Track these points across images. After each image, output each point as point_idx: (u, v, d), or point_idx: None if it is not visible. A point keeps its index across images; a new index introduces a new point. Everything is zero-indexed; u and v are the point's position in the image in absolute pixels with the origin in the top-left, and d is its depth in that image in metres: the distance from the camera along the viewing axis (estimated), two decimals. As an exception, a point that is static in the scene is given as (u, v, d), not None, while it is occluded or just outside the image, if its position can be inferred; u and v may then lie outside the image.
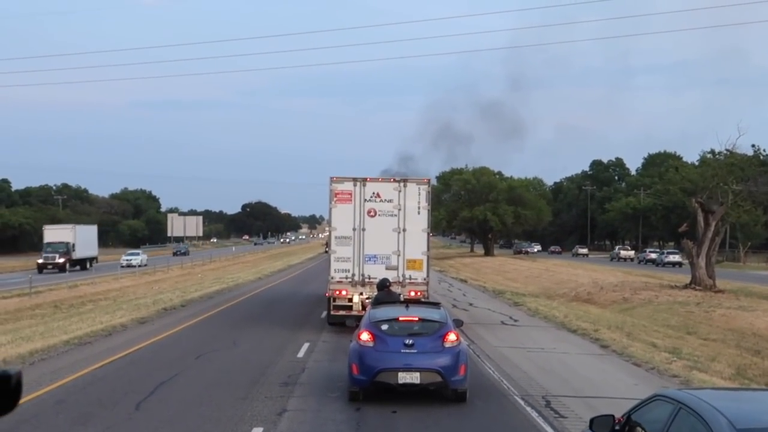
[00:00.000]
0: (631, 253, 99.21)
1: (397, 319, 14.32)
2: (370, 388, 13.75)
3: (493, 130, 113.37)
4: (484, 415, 13.08)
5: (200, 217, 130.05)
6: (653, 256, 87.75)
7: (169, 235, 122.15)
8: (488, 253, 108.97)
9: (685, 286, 43.03)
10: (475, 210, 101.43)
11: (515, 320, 28.77)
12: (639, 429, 6.87)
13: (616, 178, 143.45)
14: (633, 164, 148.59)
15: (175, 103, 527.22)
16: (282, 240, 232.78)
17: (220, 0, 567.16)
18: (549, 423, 12.49)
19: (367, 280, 23.57)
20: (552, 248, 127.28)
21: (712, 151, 65.08)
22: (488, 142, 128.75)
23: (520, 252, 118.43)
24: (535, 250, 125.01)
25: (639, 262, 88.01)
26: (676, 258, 79.11)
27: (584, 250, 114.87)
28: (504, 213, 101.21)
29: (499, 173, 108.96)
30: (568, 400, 14.30)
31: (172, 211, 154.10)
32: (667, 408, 6.44)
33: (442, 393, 13.87)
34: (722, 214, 43.87)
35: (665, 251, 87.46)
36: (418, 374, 13.51)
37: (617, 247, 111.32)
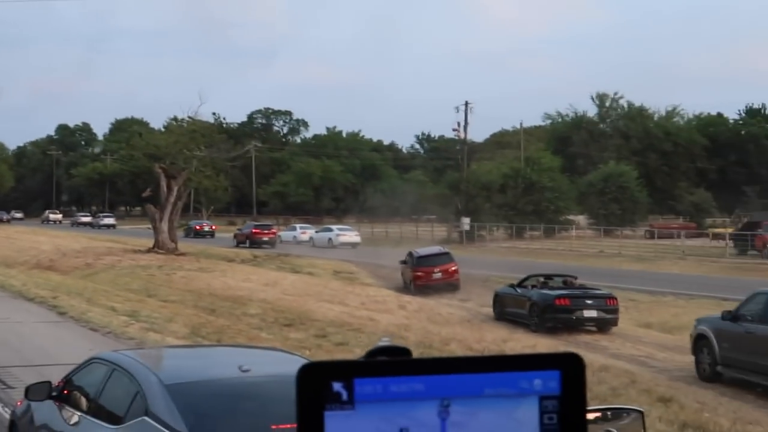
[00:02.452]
0: (60, 216, 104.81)
1: None
2: None
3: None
4: None
5: None
6: (86, 219, 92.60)
7: None
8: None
9: (149, 250, 43.68)
10: None
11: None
12: (76, 392, 6.86)
13: (83, 143, 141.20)
14: (102, 130, 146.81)
15: None
16: None
17: None
18: (-5, 396, 11.88)
19: None
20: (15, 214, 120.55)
21: (176, 118, 66.70)
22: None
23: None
24: (17, 216, 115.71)
25: (72, 225, 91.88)
26: (111, 221, 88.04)
27: (57, 216, 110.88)
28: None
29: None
30: (18, 370, 13.77)
31: None
32: (102, 369, 6.52)
33: None
34: (185, 180, 45.29)
35: (101, 215, 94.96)
36: None
37: (47, 212, 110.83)
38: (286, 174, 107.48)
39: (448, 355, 1.37)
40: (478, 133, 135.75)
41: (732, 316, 16.64)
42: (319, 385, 1.16)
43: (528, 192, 73.02)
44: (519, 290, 25.84)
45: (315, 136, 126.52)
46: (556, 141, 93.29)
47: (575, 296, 24.21)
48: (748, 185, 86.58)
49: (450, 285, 34.66)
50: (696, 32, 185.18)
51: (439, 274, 34.86)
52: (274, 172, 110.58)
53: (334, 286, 33.94)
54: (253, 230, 61.01)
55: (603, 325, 24.10)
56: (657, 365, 19.14)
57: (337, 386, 1.16)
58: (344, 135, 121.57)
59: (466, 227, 67.22)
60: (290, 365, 4.72)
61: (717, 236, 58.75)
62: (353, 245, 59.39)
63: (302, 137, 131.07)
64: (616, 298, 24.61)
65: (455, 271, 35.21)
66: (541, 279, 26.38)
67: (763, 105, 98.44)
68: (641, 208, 77.61)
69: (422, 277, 34.73)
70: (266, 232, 61.22)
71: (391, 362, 1.22)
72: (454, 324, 24.52)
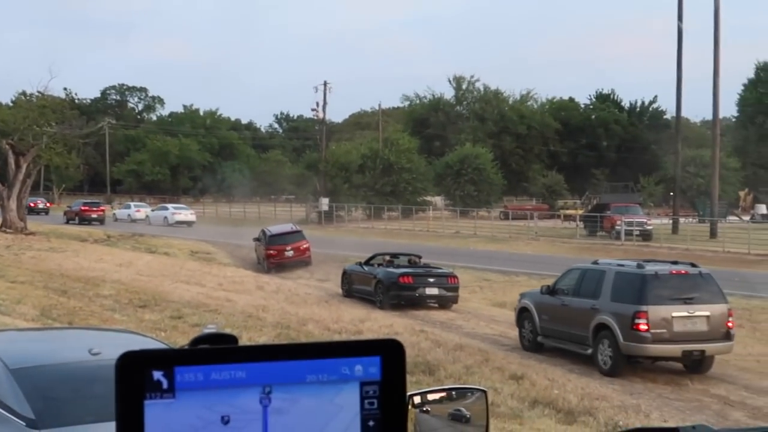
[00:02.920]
0: None
1: None
2: None
3: None
4: None
5: None
6: None
7: None
8: None
9: (-5, 230, 42.00)
10: None
11: None
12: None
13: None
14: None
15: None
16: None
17: None
18: None
19: None
20: None
21: (25, 93, 64.07)
22: None
23: None
24: None
25: None
26: None
27: None
28: None
29: None
30: None
31: None
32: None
33: None
34: (34, 157, 43.63)
35: None
36: None
37: None
38: (141, 152, 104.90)
39: (271, 343, 1.39)
40: (337, 114, 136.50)
41: (550, 290, 18.57)
42: (139, 374, 1.16)
43: (386, 173, 73.79)
44: (366, 268, 26.89)
45: (171, 114, 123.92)
46: (414, 122, 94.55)
47: (418, 275, 25.37)
48: (598, 168, 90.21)
49: (302, 262, 35.88)
50: (550, 18, 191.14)
51: (291, 252, 35.97)
52: (129, 150, 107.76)
53: (191, 267, 33.58)
54: (82, 207, 63.28)
55: (444, 303, 25.32)
56: (510, 343, 19.73)
57: (157, 375, 1.16)
58: (201, 113, 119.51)
59: (325, 207, 67.40)
60: (143, 348, 4.61)
61: (568, 218, 60.92)
62: (189, 224, 61.02)
63: (158, 115, 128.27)
64: (456, 277, 25.96)
65: (307, 249, 36.43)
66: (387, 257, 27.47)
67: (612, 90, 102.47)
68: (496, 189, 79.70)
69: (275, 254, 35.74)
70: (95, 209, 63.71)
71: (212, 350, 1.23)
72: (312, 304, 24.64)
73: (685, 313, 16.20)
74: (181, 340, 15.60)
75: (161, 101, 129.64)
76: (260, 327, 18.81)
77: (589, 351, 17.04)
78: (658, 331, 15.98)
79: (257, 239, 38.04)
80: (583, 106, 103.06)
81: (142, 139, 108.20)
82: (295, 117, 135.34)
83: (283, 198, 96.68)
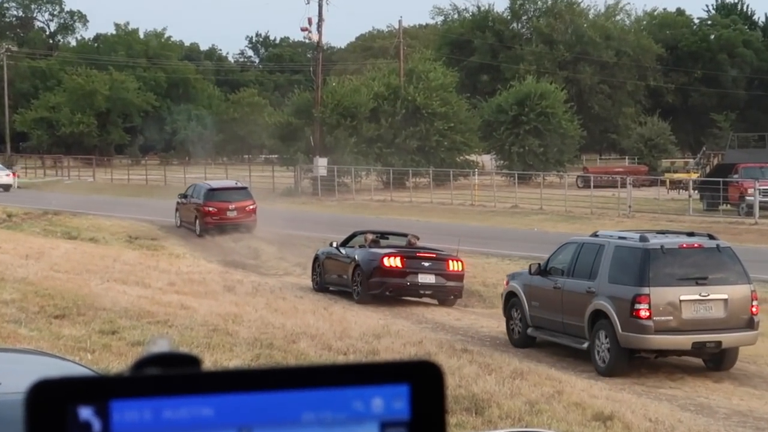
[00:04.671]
0: None
1: None
2: None
3: None
4: None
5: None
6: None
7: None
8: None
9: None
10: None
11: None
12: None
13: None
14: None
15: None
16: None
17: None
18: None
19: None
20: None
21: None
22: None
23: None
24: None
25: None
26: None
27: None
28: None
29: None
30: None
31: None
32: None
33: None
34: None
35: None
36: None
37: None
38: (55, 92, 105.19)
39: (250, 366, 1.35)
40: (338, 36, 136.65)
41: (541, 270, 20.43)
42: (59, 412, 1.13)
43: (410, 121, 73.72)
44: (343, 251, 28.27)
45: (98, 37, 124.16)
46: (451, 47, 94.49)
47: (409, 256, 26.70)
48: (720, 112, 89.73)
49: (245, 226, 40.08)
50: None
51: (235, 211, 40.25)
52: (38, 89, 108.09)
53: (130, 258, 33.86)
54: None
55: (442, 296, 26.79)
56: (588, 369, 19.78)
57: (85, 413, 1.13)
58: (142, 36, 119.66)
59: (323, 172, 67.47)
60: (62, 374, 4.56)
61: (676, 185, 60.70)
62: (4, 188, 67.62)
63: (79, 38, 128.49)
64: (461, 261, 27.10)
65: (253, 210, 40.83)
66: (370, 236, 28.71)
67: (740, 0, 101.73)
68: (571, 144, 79.55)
69: (214, 213, 40.00)
70: None
71: (165, 377, 1.19)
72: (305, 311, 24.70)
73: (697, 296, 17.85)
74: (116, 364, 15.60)
75: (83, 18, 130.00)
76: (230, 346, 18.80)
77: (585, 345, 18.89)
78: (663, 318, 17.76)
79: (183, 196, 42.82)
80: (697, 21, 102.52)
81: (56, 74, 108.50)
82: (278, 40, 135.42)
83: (261, 158, 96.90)
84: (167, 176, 78.09)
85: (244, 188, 42.74)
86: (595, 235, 20.36)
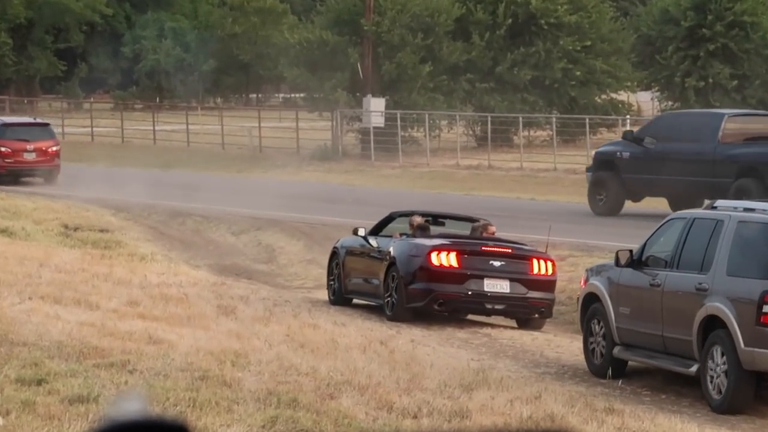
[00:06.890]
0: None
1: None
2: None
3: None
4: None
5: None
6: None
7: None
8: None
9: None
10: None
11: None
12: None
13: None
14: None
15: None
16: None
17: None
18: None
19: None
20: None
21: None
22: None
23: None
24: None
25: None
26: None
27: None
28: None
29: None
30: None
31: None
32: None
33: None
34: None
35: None
36: None
37: None
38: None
39: None
40: None
41: (634, 260, 20.90)
42: None
43: (522, 38, 73.79)
44: (374, 242, 29.12)
45: None
46: None
47: (471, 251, 27.23)
48: None
49: (46, 172, 45.05)
50: None
51: (33, 154, 44.71)
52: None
53: (66, 262, 34.39)
54: None
55: (521, 314, 27.35)
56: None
57: None
58: None
59: (378, 121, 67.52)
60: None
61: None
62: None
63: None
64: (552, 260, 27.76)
65: (56, 154, 45.31)
66: (419, 219, 28.88)
67: None
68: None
69: (9, 155, 43.96)
70: None
71: None
72: (350, 347, 24.65)
73: None
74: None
75: None
76: (229, 403, 18.85)
77: (694, 369, 19.23)
78: None
79: None
80: None
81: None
82: None
83: (279, 99, 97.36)
84: (125, 129, 78.69)
85: (47, 125, 47.39)
86: (712, 207, 20.62)
